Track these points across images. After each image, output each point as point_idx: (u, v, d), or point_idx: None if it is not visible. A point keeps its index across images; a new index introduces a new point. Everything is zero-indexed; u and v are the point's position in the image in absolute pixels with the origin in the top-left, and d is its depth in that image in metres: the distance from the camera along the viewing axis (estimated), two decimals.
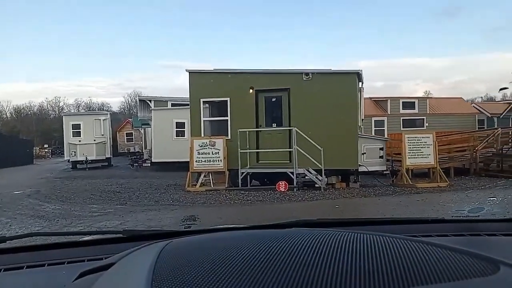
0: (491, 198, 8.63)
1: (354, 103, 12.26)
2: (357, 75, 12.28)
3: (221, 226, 1.70)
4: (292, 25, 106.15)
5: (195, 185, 12.15)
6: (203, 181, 12.24)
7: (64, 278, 0.94)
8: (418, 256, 0.66)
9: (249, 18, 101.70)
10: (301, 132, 11.58)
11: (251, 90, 12.67)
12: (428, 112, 26.62)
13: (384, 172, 12.95)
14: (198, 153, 12.21)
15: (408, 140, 12.18)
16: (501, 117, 25.49)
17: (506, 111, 25.36)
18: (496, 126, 23.47)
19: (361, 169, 12.09)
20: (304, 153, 11.39)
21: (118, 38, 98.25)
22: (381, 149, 12.53)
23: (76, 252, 1.20)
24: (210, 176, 12.22)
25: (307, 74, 12.48)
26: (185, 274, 0.64)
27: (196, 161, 12.20)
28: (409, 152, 12.12)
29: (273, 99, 12.92)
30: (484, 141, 17.05)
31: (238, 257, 0.68)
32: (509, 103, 27.03)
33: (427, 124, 26.01)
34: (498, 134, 17.01)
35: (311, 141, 11.45)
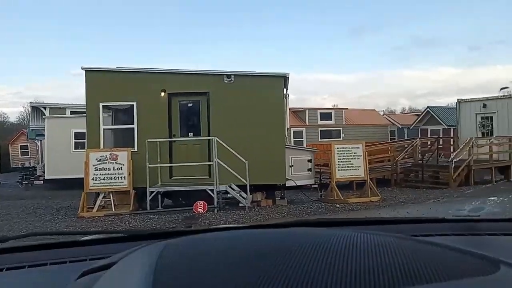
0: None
1: (281, 110, 10.99)
2: (284, 80, 11.06)
3: (221, 226, 1.04)
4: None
5: (92, 208, 9.83)
6: (102, 204, 9.95)
7: (66, 277, 0.91)
8: (418, 255, 0.66)
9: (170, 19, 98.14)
10: (222, 143, 9.96)
11: (163, 94, 10.76)
12: (344, 123, 26.81)
13: (312, 186, 11.83)
14: (96, 169, 9.90)
15: (338, 150, 11.20)
16: (411, 128, 26.52)
17: (415, 122, 26.44)
18: (406, 137, 24.29)
19: (289, 183, 10.80)
20: (226, 166, 9.78)
21: (19, 42, 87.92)
22: (310, 161, 11.40)
23: (77, 252, 1.19)
24: (111, 197, 9.95)
25: (228, 76, 10.96)
26: (186, 273, 0.64)
27: (93, 179, 9.88)
28: (338, 164, 11.14)
29: (190, 105, 11.15)
30: (405, 151, 17.04)
31: (238, 256, 0.68)
32: (417, 115, 28.37)
33: (343, 135, 26.12)
34: (417, 145, 17.11)
35: (234, 152, 9.89)
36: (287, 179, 10.68)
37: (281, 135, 10.86)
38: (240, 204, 9.83)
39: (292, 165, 10.91)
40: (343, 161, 11.16)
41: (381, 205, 10.31)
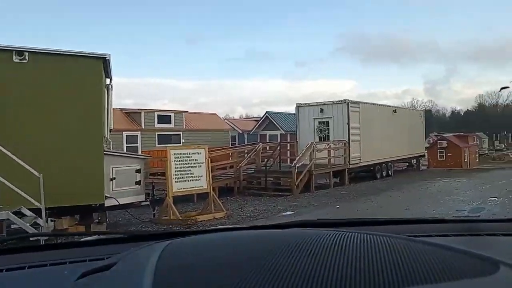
0: None
1: (98, 103, 8.20)
2: (104, 63, 8.33)
3: (222, 227, 1.55)
4: None
5: None
6: None
7: (66, 278, 0.91)
8: (418, 255, 0.66)
9: None
10: (3, 149, 6.70)
11: None
12: (184, 127, 24.82)
13: (143, 203, 9.33)
14: None
15: (175, 157, 8.99)
16: (251, 133, 26.20)
17: (255, 127, 26.23)
18: (246, 142, 23.73)
19: (109, 202, 8.10)
20: (9, 184, 6.55)
21: None
22: (139, 171, 8.89)
23: (77, 252, 1.17)
24: None
25: (20, 53, 7.67)
26: (187, 274, 0.64)
27: None
28: (176, 174, 8.94)
29: None
30: (247, 157, 15.88)
31: (239, 257, 0.68)
32: (257, 120, 28.34)
33: (183, 140, 24.11)
34: (259, 150, 16.16)
35: (22, 163, 6.73)
36: (107, 197, 7.97)
37: (98, 137, 8.06)
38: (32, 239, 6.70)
39: (114, 178, 8.23)
40: (181, 171, 9.01)
41: (227, 222, 8.53)
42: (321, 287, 0.57)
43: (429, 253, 0.68)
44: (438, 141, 41.60)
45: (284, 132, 24.62)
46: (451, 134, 44.55)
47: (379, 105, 19.95)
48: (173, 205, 8.72)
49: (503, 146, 61.63)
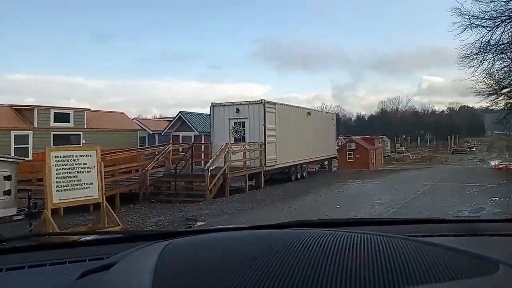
0: None
1: None
2: None
3: (221, 227, 1.51)
4: None
5: None
6: None
7: (66, 278, 0.92)
8: (418, 255, 0.66)
9: None
10: None
11: None
12: (86, 127, 22.20)
13: (15, 217, 7.43)
14: None
15: (56, 161, 7.25)
16: (162, 134, 24.44)
17: (167, 128, 24.52)
18: (157, 143, 21.96)
19: None
20: None
21: None
22: (8, 178, 7.01)
23: (77, 252, 1.18)
24: None
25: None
26: (186, 274, 0.64)
27: None
28: (58, 182, 7.21)
29: None
30: (155, 159, 14.30)
31: (238, 257, 0.68)
32: (169, 120, 26.58)
33: (83, 141, 21.52)
34: (168, 151, 14.66)
35: None
36: None
37: None
38: None
39: None
40: (65, 177, 7.30)
41: None
42: (321, 286, 0.57)
43: (428, 252, 0.68)
44: (347, 144, 43.47)
45: (198, 133, 23.30)
46: (359, 137, 46.90)
47: (295, 106, 19.62)
48: (51, 220, 6.97)
49: (403, 149, 66.95)
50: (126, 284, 0.67)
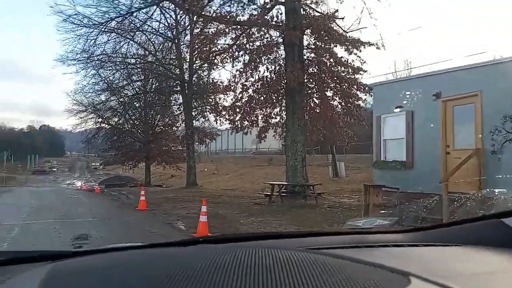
0: None
1: None
2: None
3: (116, 246, 1.18)
4: None
5: None
6: None
7: None
8: (327, 269, 0.63)
9: None
10: None
11: None
12: None
13: None
14: None
15: None
16: None
17: None
18: None
19: None
20: None
21: None
22: None
23: None
24: None
25: None
26: None
27: None
28: None
29: None
30: None
31: (134, 282, 0.63)
32: None
33: None
34: None
35: None
36: None
37: None
38: None
39: None
40: None
41: None
42: None
43: (339, 266, 0.66)
44: None
45: None
46: None
47: None
48: None
49: None
50: None
